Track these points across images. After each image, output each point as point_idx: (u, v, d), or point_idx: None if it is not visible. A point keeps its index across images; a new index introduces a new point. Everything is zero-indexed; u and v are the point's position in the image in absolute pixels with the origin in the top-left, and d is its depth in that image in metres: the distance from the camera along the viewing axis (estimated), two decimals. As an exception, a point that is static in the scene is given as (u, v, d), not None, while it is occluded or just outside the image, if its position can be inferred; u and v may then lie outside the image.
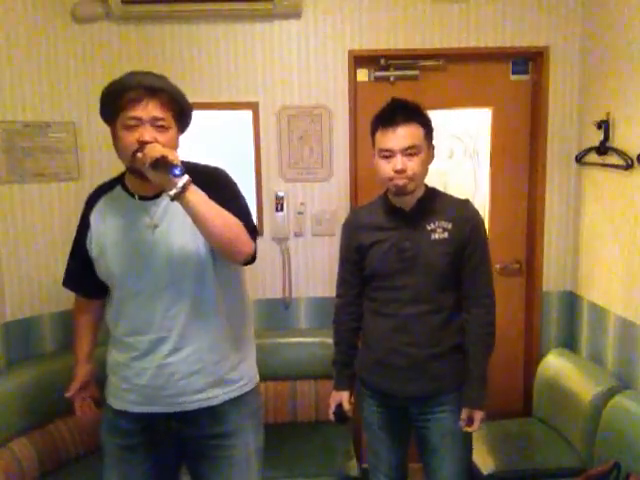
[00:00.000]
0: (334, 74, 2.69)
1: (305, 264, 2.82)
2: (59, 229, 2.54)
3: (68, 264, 1.76)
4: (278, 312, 2.83)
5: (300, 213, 2.77)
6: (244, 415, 1.70)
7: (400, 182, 1.78)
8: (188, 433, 1.67)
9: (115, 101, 1.52)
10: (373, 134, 1.85)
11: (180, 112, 1.58)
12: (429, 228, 1.83)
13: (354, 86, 2.72)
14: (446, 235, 1.82)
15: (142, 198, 1.61)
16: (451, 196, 1.94)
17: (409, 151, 1.77)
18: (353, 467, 2.38)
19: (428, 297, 1.84)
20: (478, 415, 1.84)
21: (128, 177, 1.64)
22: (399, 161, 1.76)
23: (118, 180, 1.69)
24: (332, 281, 2.74)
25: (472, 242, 1.84)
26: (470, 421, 1.85)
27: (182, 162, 1.60)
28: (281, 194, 2.74)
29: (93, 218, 1.66)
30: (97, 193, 1.70)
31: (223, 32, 2.65)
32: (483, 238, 1.89)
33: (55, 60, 2.51)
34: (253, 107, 2.70)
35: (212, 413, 1.64)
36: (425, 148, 1.81)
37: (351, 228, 1.96)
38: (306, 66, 2.69)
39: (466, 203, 1.90)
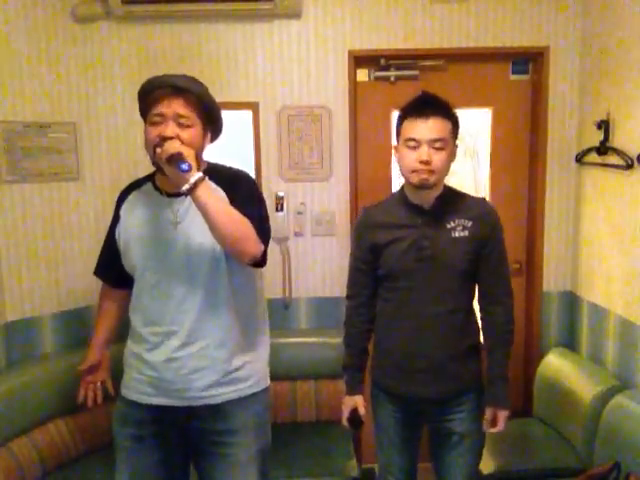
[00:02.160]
0: (334, 74, 2.69)
1: (305, 264, 2.82)
2: (59, 229, 2.54)
3: (100, 254, 1.85)
4: (278, 312, 2.83)
5: (300, 213, 2.77)
6: (249, 415, 1.71)
7: (423, 175, 1.75)
8: (194, 427, 1.69)
9: (145, 99, 1.61)
10: (399, 124, 1.82)
11: (207, 113, 1.63)
12: (449, 226, 1.80)
13: (354, 86, 2.72)
14: (466, 233, 1.79)
15: (168, 195, 1.67)
16: (468, 194, 1.91)
17: (436, 144, 1.74)
18: (353, 467, 2.38)
19: (447, 297, 1.81)
20: (503, 414, 1.83)
21: (157, 174, 1.70)
22: (425, 152, 1.74)
23: (149, 177, 1.76)
24: (332, 281, 2.78)
25: (492, 240, 1.82)
26: (494, 421, 1.84)
27: (207, 162, 1.69)
28: (281, 194, 2.74)
29: (123, 212, 1.74)
30: (129, 188, 1.78)
31: (223, 32, 2.65)
32: (501, 237, 1.87)
33: (55, 60, 2.51)
34: (253, 107, 2.70)
35: (217, 410, 1.67)
36: (451, 144, 1.79)
37: (364, 227, 1.91)
38: (306, 66, 2.69)
39: (484, 201, 1.90)
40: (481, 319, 1.89)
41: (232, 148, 2.73)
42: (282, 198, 2.74)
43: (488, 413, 1.84)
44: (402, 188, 1.90)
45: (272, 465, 2.30)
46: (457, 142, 1.84)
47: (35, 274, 2.49)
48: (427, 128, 1.74)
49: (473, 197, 1.91)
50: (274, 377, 2.64)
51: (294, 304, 2.84)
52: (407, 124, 1.79)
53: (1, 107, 2.36)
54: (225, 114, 2.68)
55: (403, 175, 1.83)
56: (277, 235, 2.77)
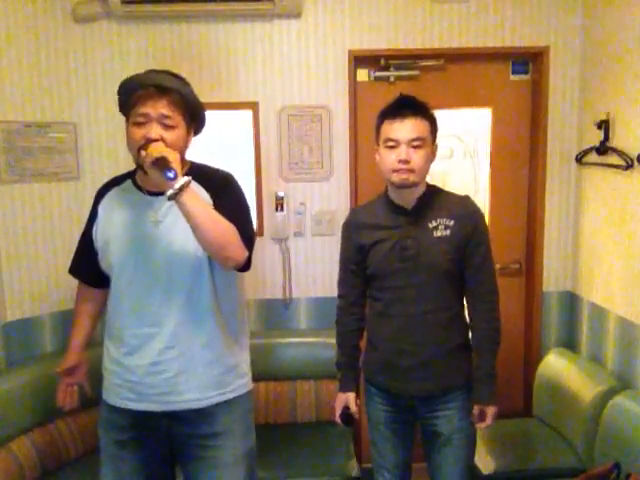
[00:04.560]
0: (334, 74, 2.69)
1: (305, 264, 2.82)
2: (59, 229, 2.55)
3: (75, 252, 1.80)
4: (278, 312, 2.83)
5: (300, 213, 2.77)
6: (234, 418, 1.70)
7: (403, 174, 1.77)
8: (178, 431, 1.67)
9: (127, 97, 1.57)
10: (379, 126, 1.85)
11: (191, 112, 1.61)
12: (431, 226, 1.82)
13: (354, 86, 2.72)
14: (448, 232, 1.82)
15: (150, 193, 1.64)
16: (451, 193, 1.93)
17: (414, 143, 1.77)
18: (353, 467, 2.38)
19: (433, 295, 1.83)
20: (490, 410, 1.85)
21: (139, 172, 1.67)
22: (404, 151, 1.76)
23: (129, 174, 1.73)
24: (332, 281, 2.75)
25: (475, 238, 1.84)
26: (482, 417, 1.86)
27: (191, 163, 1.66)
28: (281, 194, 2.74)
29: (101, 209, 1.70)
30: (108, 186, 1.74)
31: (223, 32, 2.65)
32: (485, 234, 1.88)
33: (55, 60, 2.51)
34: (253, 107, 2.70)
35: (202, 413, 1.65)
36: (429, 143, 1.82)
37: (351, 228, 1.95)
38: (306, 66, 2.69)
39: (467, 199, 1.91)
40: (468, 317, 1.91)
41: (232, 148, 2.74)
42: (282, 198, 2.74)
43: (475, 410, 1.86)
44: (386, 189, 1.92)
45: (272, 465, 2.32)
46: (436, 142, 1.87)
47: (35, 274, 2.49)
48: (405, 128, 1.77)
49: (456, 195, 1.92)
50: (274, 377, 2.68)
51: (294, 304, 2.84)
52: (385, 125, 1.82)
53: (1, 107, 2.36)
54: (225, 114, 2.72)
55: (385, 176, 1.86)
56: (277, 235, 2.77)
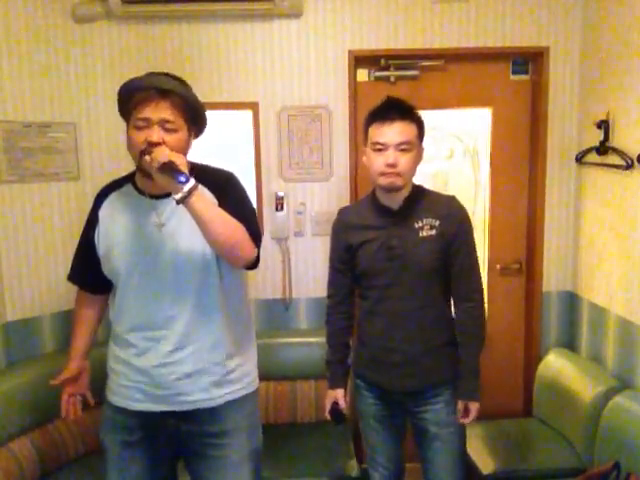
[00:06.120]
0: (334, 74, 2.69)
1: (305, 264, 2.82)
2: (59, 229, 2.54)
3: (74, 258, 1.78)
4: (278, 312, 2.83)
5: (300, 213, 2.77)
6: (241, 416, 1.70)
7: (390, 177, 1.80)
8: (185, 430, 1.67)
9: (127, 100, 1.55)
10: (366, 128, 1.88)
11: (192, 115, 1.59)
12: (417, 226, 1.85)
13: (354, 86, 2.72)
14: (434, 232, 1.85)
15: (152, 197, 1.62)
16: (437, 193, 1.97)
17: (402, 147, 1.80)
18: (353, 467, 2.38)
19: (419, 294, 1.87)
20: (473, 406, 1.88)
21: (138, 176, 1.65)
22: (391, 155, 1.79)
23: (129, 178, 1.70)
24: (332, 281, 2.77)
25: (459, 238, 1.87)
26: (466, 413, 1.89)
27: (191, 163, 1.63)
28: (281, 194, 2.74)
29: (102, 214, 1.68)
30: (107, 189, 1.72)
31: (223, 32, 2.65)
32: (470, 233, 1.92)
33: (55, 60, 2.51)
34: (253, 107, 2.70)
35: (210, 412, 1.65)
36: (417, 146, 1.85)
37: (340, 228, 1.98)
38: (306, 66, 2.69)
39: (452, 200, 1.93)
40: (454, 314, 1.94)
41: (232, 148, 2.74)
42: (282, 198, 2.74)
43: (460, 405, 1.89)
44: (373, 190, 1.95)
45: (272, 465, 2.32)
46: (423, 145, 1.90)
47: (35, 274, 2.49)
48: (392, 132, 1.80)
49: (441, 195, 1.95)
50: (274, 377, 2.68)
51: (294, 304, 2.84)
52: (373, 129, 1.84)
53: (1, 107, 2.35)
54: (225, 114, 2.72)
55: (372, 178, 1.88)
56: (277, 235, 2.77)
